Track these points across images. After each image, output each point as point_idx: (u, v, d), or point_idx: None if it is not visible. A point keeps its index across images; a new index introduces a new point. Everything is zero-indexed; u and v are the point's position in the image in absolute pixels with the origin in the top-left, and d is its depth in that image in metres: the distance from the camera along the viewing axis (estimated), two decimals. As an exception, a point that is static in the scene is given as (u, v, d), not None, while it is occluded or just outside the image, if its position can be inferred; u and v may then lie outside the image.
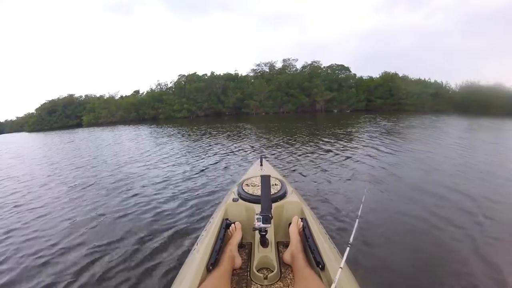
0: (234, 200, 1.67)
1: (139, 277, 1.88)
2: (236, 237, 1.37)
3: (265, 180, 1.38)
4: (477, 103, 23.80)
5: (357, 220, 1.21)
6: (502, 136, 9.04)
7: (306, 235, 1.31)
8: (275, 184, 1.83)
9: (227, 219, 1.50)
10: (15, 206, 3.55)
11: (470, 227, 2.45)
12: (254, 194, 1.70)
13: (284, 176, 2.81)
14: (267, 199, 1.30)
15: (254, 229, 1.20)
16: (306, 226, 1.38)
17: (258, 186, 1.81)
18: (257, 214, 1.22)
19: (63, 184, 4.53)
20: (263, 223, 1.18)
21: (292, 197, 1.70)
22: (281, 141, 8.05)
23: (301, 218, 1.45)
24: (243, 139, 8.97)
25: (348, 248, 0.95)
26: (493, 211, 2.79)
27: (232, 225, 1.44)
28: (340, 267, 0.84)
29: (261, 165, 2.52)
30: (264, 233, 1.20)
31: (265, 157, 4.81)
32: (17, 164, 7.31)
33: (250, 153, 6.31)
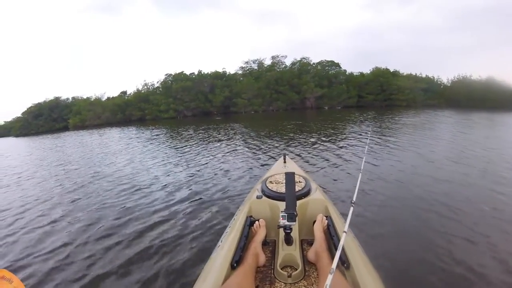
0: (258, 197, 1.64)
1: (163, 273, 1.91)
2: (260, 235, 1.34)
3: (290, 177, 1.36)
4: (468, 97, 23.84)
5: (351, 207, 1.13)
6: (495, 130, 9.52)
7: (331, 233, 1.28)
8: (299, 181, 1.80)
9: (251, 216, 1.48)
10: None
11: (461, 206, 2.74)
12: (278, 191, 1.66)
13: (308, 173, 2.77)
14: (292, 196, 1.28)
15: (279, 226, 1.18)
16: (330, 224, 1.35)
17: (282, 183, 1.80)
18: (282, 211, 1.20)
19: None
20: (288, 220, 1.16)
21: (317, 195, 1.67)
22: (279, 138, 8.35)
23: (326, 216, 1.43)
24: (242, 139, 9.04)
25: (344, 234, 0.90)
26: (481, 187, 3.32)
27: (256, 222, 1.42)
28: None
29: (285, 162, 2.48)
30: (288, 231, 1.17)
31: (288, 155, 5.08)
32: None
33: (259, 154, 6.36)
